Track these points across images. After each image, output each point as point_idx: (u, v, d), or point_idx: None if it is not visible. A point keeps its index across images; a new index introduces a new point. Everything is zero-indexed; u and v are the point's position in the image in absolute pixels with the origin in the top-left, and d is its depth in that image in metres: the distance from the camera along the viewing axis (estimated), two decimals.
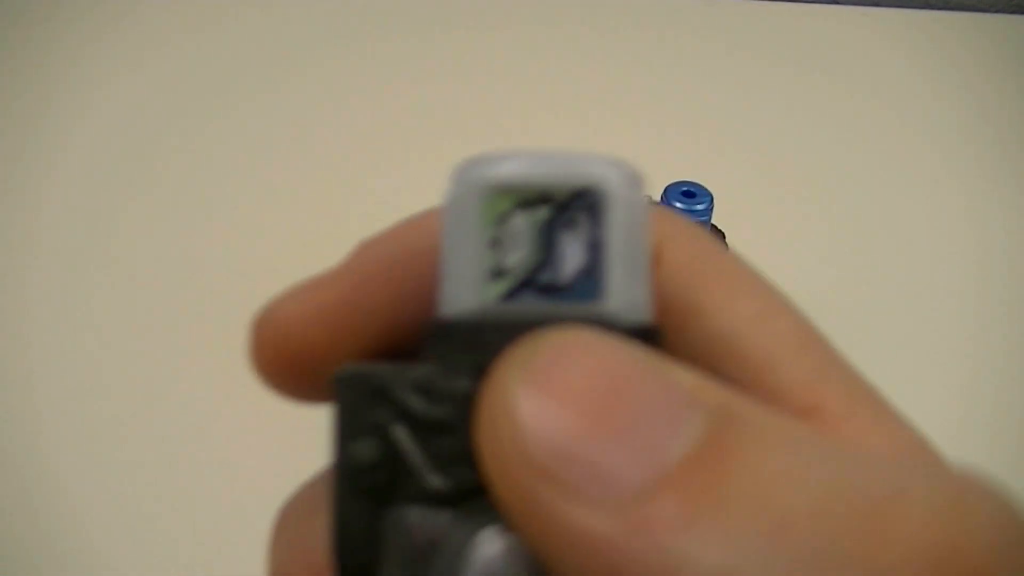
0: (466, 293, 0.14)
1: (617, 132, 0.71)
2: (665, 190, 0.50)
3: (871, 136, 0.73)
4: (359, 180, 0.66)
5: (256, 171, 0.67)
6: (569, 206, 0.14)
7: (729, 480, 0.11)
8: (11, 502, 0.47)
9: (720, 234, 0.52)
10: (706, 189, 0.50)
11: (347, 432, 0.14)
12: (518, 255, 0.14)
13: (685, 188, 0.50)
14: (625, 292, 0.14)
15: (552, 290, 0.14)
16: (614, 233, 0.14)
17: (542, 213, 0.14)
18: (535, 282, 0.14)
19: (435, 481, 0.14)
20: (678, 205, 0.49)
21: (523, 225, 0.14)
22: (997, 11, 0.85)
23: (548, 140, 0.70)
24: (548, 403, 0.12)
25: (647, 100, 0.75)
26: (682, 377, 0.12)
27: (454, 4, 0.81)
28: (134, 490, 0.49)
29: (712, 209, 0.50)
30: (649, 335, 0.14)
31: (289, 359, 0.16)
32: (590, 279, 0.14)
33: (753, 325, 0.15)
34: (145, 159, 0.67)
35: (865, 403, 0.15)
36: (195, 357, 0.55)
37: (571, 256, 0.14)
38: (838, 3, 0.85)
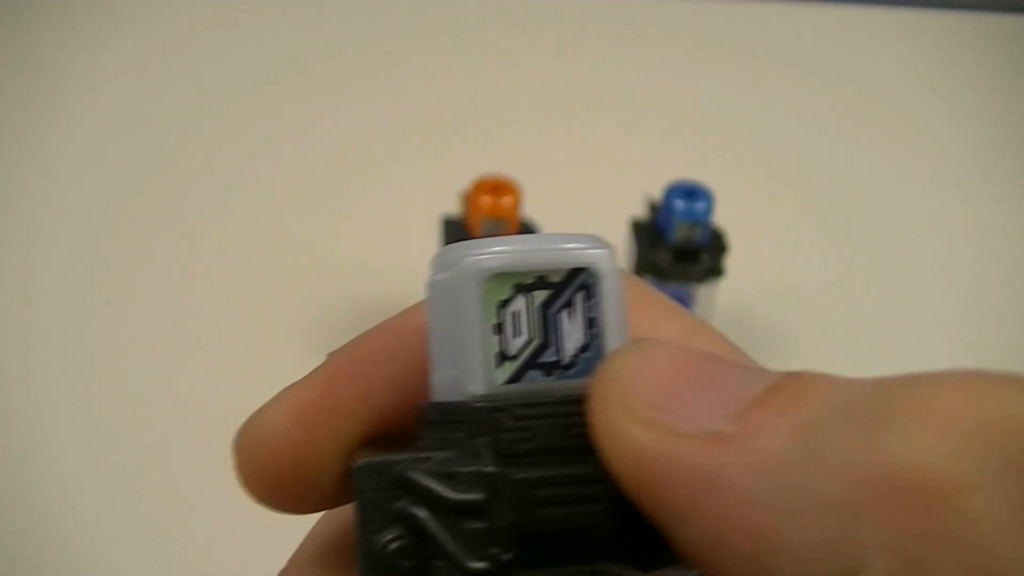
0: (475, 378, 0.14)
1: (618, 132, 0.71)
2: (665, 190, 0.50)
3: (871, 136, 0.73)
4: (359, 180, 0.66)
5: (256, 172, 0.67)
6: (565, 287, 0.15)
7: (800, 400, 0.13)
8: (10, 502, 0.47)
9: (720, 234, 0.52)
10: (706, 189, 0.50)
11: (372, 523, 0.15)
12: (522, 339, 0.15)
13: (685, 188, 0.50)
14: None
15: (555, 368, 0.15)
16: (608, 308, 0.15)
17: (540, 296, 0.15)
18: (539, 363, 0.15)
19: (474, 564, 0.14)
20: (678, 204, 0.50)
21: (523, 309, 0.14)
22: (997, 11, 0.85)
23: (550, 141, 0.70)
24: (648, 362, 0.14)
25: (648, 100, 0.75)
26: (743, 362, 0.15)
27: (454, 6, 0.81)
28: (133, 491, 0.49)
29: (712, 209, 0.50)
30: None
31: (275, 469, 0.16)
32: (591, 355, 0.15)
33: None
34: (144, 160, 0.67)
35: None
36: (194, 357, 0.55)
37: (571, 335, 0.15)
38: (838, 3, 0.85)
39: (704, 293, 0.52)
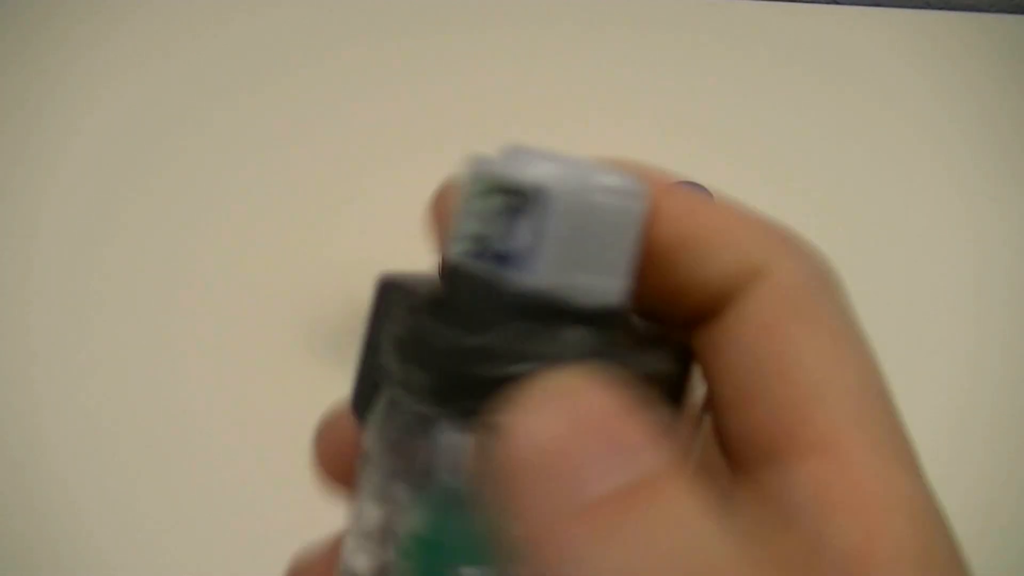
0: (451, 245, 0.18)
1: (617, 132, 0.71)
2: None
3: (871, 136, 0.73)
4: (359, 180, 0.66)
5: (255, 172, 0.67)
6: (524, 198, 0.17)
7: (626, 523, 0.14)
8: (11, 502, 0.47)
9: None
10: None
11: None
12: (483, 227, 0.18)
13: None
14: (560, 275, 0.17)
15: (501, 258, 0.17)
16: (551, 224, 0.17)
17: (504, 200, 0.17)
18: (491, 249, 0.18)
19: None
20: None
21: (491, 206, 0.18)
22: (997, 11, 0.85)
23: (548, 141, 0.70)
24: (534, 420, 0.15)
25: (647, 100, 0.75)
26: (639, 429, 0.15)
27: (452, 4, 0.82)
28: (134, 491, 0.49)
29: None
30: (603, 318, 0.17)
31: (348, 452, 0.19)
32: (527, 256, 0.17)
33: (824, 365, 0.17)
34: (144, 161, 0.67)
35: (886, 460, 0.16)
36: (194, 358, 0.55)
37: (520, 236, 0.17)
38: (838, 3, 0.85)
39: None
